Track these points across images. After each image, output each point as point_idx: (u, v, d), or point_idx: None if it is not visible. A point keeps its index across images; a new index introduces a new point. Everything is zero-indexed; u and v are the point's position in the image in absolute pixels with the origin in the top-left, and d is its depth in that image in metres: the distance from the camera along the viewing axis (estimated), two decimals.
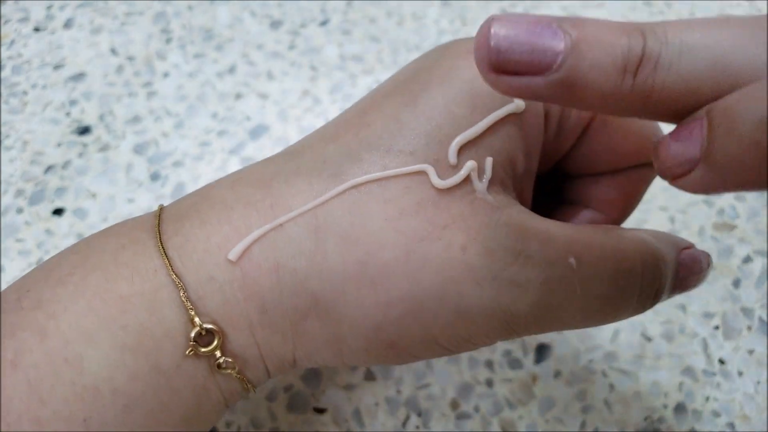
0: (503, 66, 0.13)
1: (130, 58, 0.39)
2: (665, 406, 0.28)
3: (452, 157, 0.18)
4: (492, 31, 0.13)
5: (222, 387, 0.19)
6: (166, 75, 0.38)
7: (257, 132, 0.36)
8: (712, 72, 0.13)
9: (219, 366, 0.18)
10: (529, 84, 0.13)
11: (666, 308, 0.31)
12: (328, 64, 0.38)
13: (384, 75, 0.38)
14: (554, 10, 0.41)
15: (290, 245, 0.18)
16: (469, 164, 0.18)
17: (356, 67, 0.38)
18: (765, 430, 0.28)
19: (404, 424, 0.28)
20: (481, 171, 0.18)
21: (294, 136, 0.36)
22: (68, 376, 0.16)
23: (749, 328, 0.30)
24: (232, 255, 0.18)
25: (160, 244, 0.18)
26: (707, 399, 0.28)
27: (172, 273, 0.18)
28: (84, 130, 0.36)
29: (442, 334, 0.18)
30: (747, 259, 0.32)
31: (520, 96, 0.14)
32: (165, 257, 0.18)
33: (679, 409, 0.28)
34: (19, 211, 0.33)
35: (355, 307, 0.18)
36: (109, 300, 0.17)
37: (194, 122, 0.36)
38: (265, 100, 0.37)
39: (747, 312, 0.31)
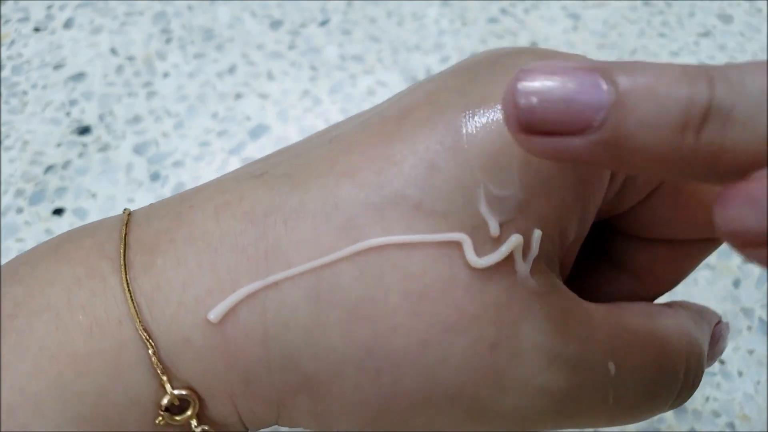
0: (535, 126, 0.12)
1: (130, 58, 0.39)
2: None
3: (494, 230, 0.14)
4: (520, 86, 0.12)
5: None
6: (166, 75, 0.38)
7: (257, 132, 0.36)
8: None
9: None
10: (566, 146, 0.11)
11: None
12: (328, 64, 0.38)
13: (384, 75, 0.38)
14: (554, 10, 0.41)
15: (284, 312, 0.14)
16: (514, 239, 0.14)
17: (356, 67, 0.38)
18: (765, 430, 0.28)
19: None
20: (526, 246, 0.15)
21: (294, 137, 0.36)
22: None
23: (749, 328, 0.30)
24: (213, 316, 0.14)
25: (126, 286, 0.15)
26: (707, 399, 0.28)
27: (140, 328, 0.14)
28: (84, 130, 0.36)
29: (445, 429, 0.16)
30: None
31: (556, 159, 0.12)
32: (133, 306, 0.14)
33: (679, 409, 0.28)
34: (19, 211, 0.33)
35: (353, 393, 0.15)
36: (61, 358, 0.14)
37: (194, 122, 0.36)
38: (265, 100, 0.37)
39: (747, 312, 0.31)
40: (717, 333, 0.18)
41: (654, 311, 0.17)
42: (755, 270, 0.32)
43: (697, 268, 0.30)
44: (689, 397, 0.17)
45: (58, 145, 0.35)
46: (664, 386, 0.16)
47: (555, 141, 0.11)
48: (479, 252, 0.14)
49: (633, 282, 0.19)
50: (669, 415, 0.28)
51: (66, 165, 0.34)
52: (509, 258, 0.14)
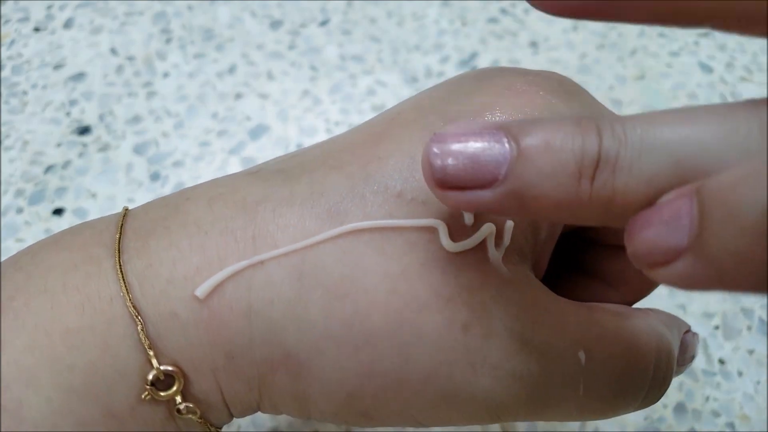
0: (448, 183, 0.13)
1: (130, 58, 0.39)
2: (665, 406, 0.28)
3: (468, 219, 0.15)
4: (433, 149, 0.13)
5: (182, 429, 0.17)
6: (166, 75, 0.38)
7: (257, 132, 0.36)
8: (678, 171, 0.12)
9: (179, 411, 0.16)
10: (477, 198, 0.13)
11: (666, 308, 0.31)
12: (328, 64, 0.38)
13: (384, 75, 0.38)
14: None
15: (268, 289, 0.15)
16: (486, 228, 0.15)
17: (356, 67, 0.38)
18: (765, 430, 0.28)
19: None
20: (498, 236, 0.16)
21: (294, 137, 0.36)
22: (5, 425, 0.14)
23: (749, 328, 0.30)
24: (200, 292, 0.15)
25: (119, 266, 0.15)
26: (707, 399, 0.28)
27: (129, 305, 0.15)
28: (84, 130, 0.36)
29: (420, 413, 0.16)
30: None
31: (469, 210, 0.14)
32: (124, 284, 0.15)
33: (679, 408, 0.28)
34: (19, 211, 0.33)
35: (332, 371, 0.16)
36: (55, 334, 0.15)
37: (194, 122, 0.36)
38: (265, 100, 0.37)
39: (747, 312, 0.31)
40: (686, 341, 0.19)
41: (624, 311, 0.17)
42: None
43: None
44: (659, 397, 0.17)
45: (58, 145, 0.35)
46: (633, 381, 0.16)
47: (467, 195, 0.13)
48: (455, 239, 0.15)
49: (606, 290, 0.20)
50: (669, 415, 0.28)
51: (66, 165, 0.34)
52: (483, 246, 0.15)
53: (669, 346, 0.17)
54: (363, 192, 0.16)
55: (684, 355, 0.18)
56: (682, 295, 0.31)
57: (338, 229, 0.15)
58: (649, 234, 0.11)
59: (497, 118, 0.16)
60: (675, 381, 0.29)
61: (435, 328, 0.15)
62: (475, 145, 0.13)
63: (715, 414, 0.28)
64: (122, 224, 0.16)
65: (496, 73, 0.18)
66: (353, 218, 0.15)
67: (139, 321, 0.15)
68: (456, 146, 0.13)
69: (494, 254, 0.15)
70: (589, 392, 0.16)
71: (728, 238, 0.10)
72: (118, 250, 0.16)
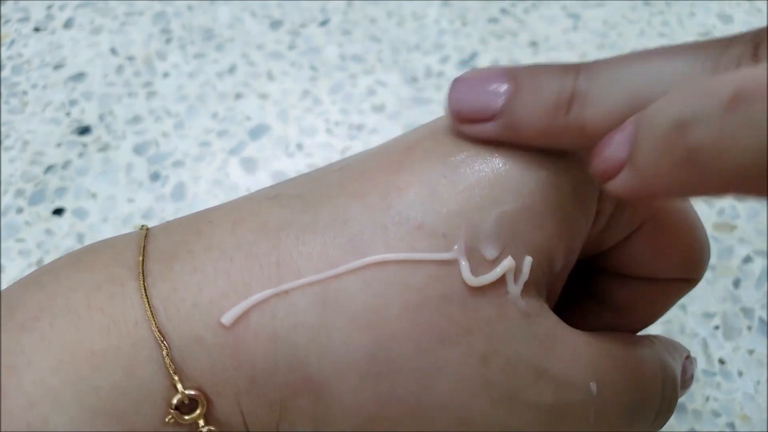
0: (462, 116, 0.16)
1: (130, 58, 0.39)
2: None
3: (490, 254, 0.16)
4: (451, 92, 0.16)
5: None
6: (166, 75, 0.38)
7: (257, 132, 0.36)
8: (634, 102, 0.14)
9: None
10: (483, 129, 0.16)
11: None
12: (328, 64, 0.38)
13: (384, 75, 0.38)
14: (554, 10, 0.41)
15: (293, 316, 0.16)
16: (507, 263, 0.16)
17: (356, 67, 0.38)
18: (765, 430, 0.28)
19: None
20: (517, 270, 0.16)
21: (294, 137, 0.36)
22: None
23: (749, 328, 0.30)
24: (226, 319, 0.15)
25: (143, 290, 0.16)
26: (707, 399, 0.28)
27: (155, 329, 0.15)
28: (84, 130, 0.36)
29: None
30: (747, 259, 0.32)
31: (481, 139, 0.16)
32: (149, 308, 0.16)
33: (679, 409, 0.28)
34: (19, 211, 0.33)
35: (352, 396, 0.16)
36: (80, 355, 0.15)
37: (194, 122, 0.36)
38: (265, 100, 0.37)
39: (747, 312, 0.31)
40: (686, 366, 0.19)
41: (632, 341, 0.18)
42: (755, 270, 0.32)
43: None
44: (665, 422, 0.18)
45: (58, 145, 0.35)
46: (642, 409, 0.17)
47: (476, 127, 0.16)
48: (475, 273, 0.16)
49: (614, 317, 0.20)
50: None
51: (66, 165, 0.34)
52: (502, 280, 0.16)
53: (673, 372, 0.18)
54: (384, 223, 0.16)
55: (684, 379, 0.19)
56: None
57: (362, 260, 0.16)
58: (604, 152, 0.14)
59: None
60: None
61: (454, 359, 0.15)
62: (481, 87, 0.16)
63: (716, 414, 0.28)
64: (144, 245, 0.17)
65: None
66: (375, 249, 0.16)
67: (165, 346, 0.15)
68: (468, 89, 0.16)
69: (513, 289, 0.16)
70: (600, 421, 0.16)
71: (648, 150, 0.13)
72: (143, 273, 0.16)
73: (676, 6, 0.42)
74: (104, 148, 0.35)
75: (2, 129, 0.36)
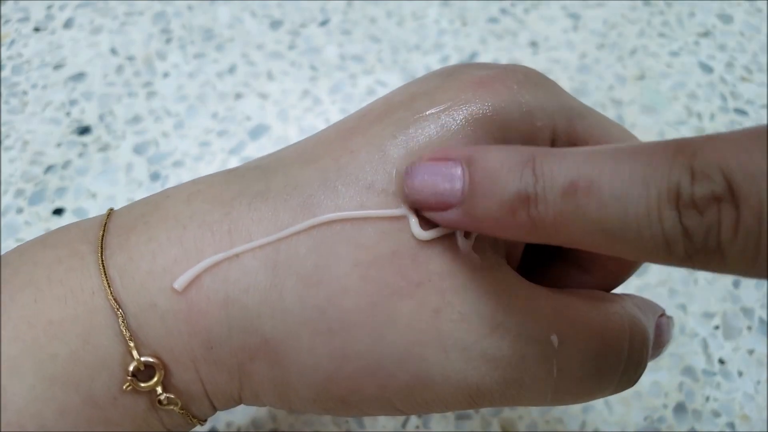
0: (421, 207, 0.16)
1: (130, 58, 0.39)
2: (665, 406, 0.28)
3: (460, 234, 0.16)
4: (407, 181, 0.16)
5: (165, 421, 0.17)
6: (166, 75, 0.38)
7: (257, 132, 0.36)
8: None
9: (160, 402, 0.16)
10: (443, 216, 0.16)
11: (666, 308, 0.31)
12: (328, 64, 0.38)
13: (384, 75, 0.38)
14: (554, 10, 0.41)
15: (244, 279, 0.16)
16: None
17: (356, 67, 0.38)
18: (765, 430, 0.28)
19: (404, 424, 0.28)
20: None
21: (294, 136, 0.36)
22: None
23: (749, 328, 0.30)
24: (178, 284, 0.16)
25: (101, 261, 0.16)
26: (707, 399, 0.28)
27: (110, 297, 0.16)
28: (84, 130, 0.36)
29: (397, 397, 0.17)
30: None
31: (443, 225, 0.16)
32: (105, 278, 0.16)
33: (679, 409, 0.28)
34: (19, 211, 0.33)
35: (308, 355, 0.16)
36: (38, 324, 0.15)
37: (194, 122, 0.36)
38: (265, 100, 0.37)
39: (747, 312, 0.31)
40: (661, 324, 0.19)
41: (598, 296, 0.18)
42: None
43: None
44: (635, 380, 0.18)
45: (58, 145, 0.35)
46: (607, 363, 0.17)
47: (436, 214, 0.16)
48: (425, 228, 0.16)
49: (585, 277, 0.20)
50: (669, 415, 0.28)
51: (66, 165, 0.34)
52: (453, 234, 0.16)
53: (643, 329, 0.18)
54: (335, 184, 0.16)
55: (659, 339, 0.19)
56: (682, 296, 0.31)
57: (310, 221, 0.16)
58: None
59: (464, 112, 0.17)
60: (675, 381, 0.29)
61: (406, 312, 0.16)
62: (435, 180, 0.16)
63: (716, 414, 0.28)
64: (106, 222, 0.17)
65: (463, 68, 0.18)
66: (326, 210, 0.16)
67: (120, 314, 0.16)
68: (422, 181, 0.16)
69: (463, 242, 0.16)
70: (563, 375, 0.16)
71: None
72: (101, 246, 0.16)
73: (676, 6, 0.42)
74: (104, 148, 0.35)
75: (2, 129, 0.36)
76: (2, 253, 0.32)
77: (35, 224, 0.32)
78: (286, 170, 0.17)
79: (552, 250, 0.21)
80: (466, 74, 0.18)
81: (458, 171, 0.15)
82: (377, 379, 0.16)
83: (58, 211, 0.33)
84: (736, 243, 0.12)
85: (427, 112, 0.17)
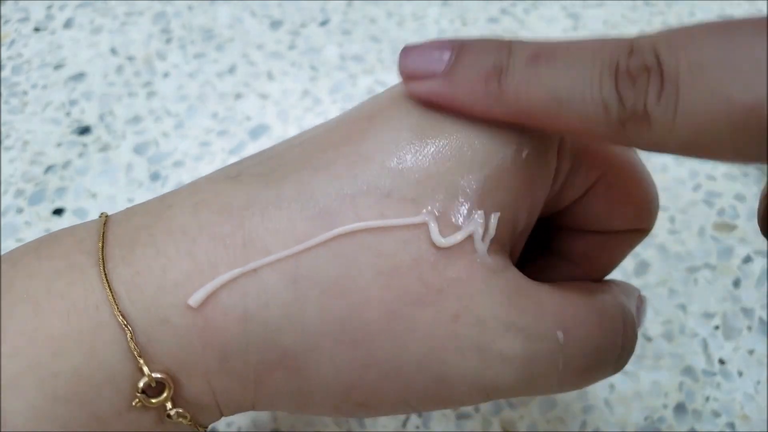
0: (411, 75, 0.17)
1: (130, 58, 0.39)
2: (665, 406, 0.28)
3: (459, 215, 0.16)
4: (403, 56, 0.17)
5: (170, 431, 0.17)
6: (166, 75, 0.38)
7: (257, 132, 0.36)
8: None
9: (169, 416, 0.16)
10: (426, 84, 0.17)
11: (666, 308, 0.31)
12: (328, 64, 0.38)
13: (384, 75, 0.38)
14: (554, 10, 0.41)
15: (263, 294, 0.16)
16: (474, 222, 0.16)
17: (356, 67, 0.38)
18: (765, 430, 0.28)
19: (404, 424, 0.28)
20: (484, 229, 0.17)
21: None
22: None
23: (749, 328, 0.30)
24: (194, 301, 0.15)
25: (103, 273, 0.15)
26: (707, 399, 0.28)
27: (117, 312, 0.15)
28: (84, 130, 0.36)
29: (416, 398, 0.17)
30: (747, 259, 0.32)
31: (423, 93, 0.17)
32: (110, 291, 0.15)
33: (679, 409, 0.28)
34: (19, 211, 0.33)
35: (329, 366, 0.16)
36: (39, 340, 0.15)
37: (194, 122, 0.36)
38: (265, 100, 0.37)
39: (747, 312, 0.31)
40: (638, 305, 0.20)
41: (592, 288, 0.19)
42: (755, 270, 0.32)
43: (696, 266, 0.30)
44: (626, 362, 0.19)
45: (58, 145, 0.35)
46: (606, 352, 0.18)
47: (420, 82, 0.17)
48: (445, 234, 0.16)
49: (573, 269, 0.21)
50: (669, 415, 0.28)
51: (66, 165, 0.34)
52: (469, 240, 0.16)
53: (632, 315, 0.19)
54: (352, 193, 0.16)
55: (639, 319, 0.20)
56: (682, 296, 0.31)
57: (331, 232, 0.16)
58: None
59: None
60: (675, 381, 0.29)
61: (427, 319, 0.16)
62: (429, 53, 0.17)
63: (716, 414, 0.28)
64: (104, 232, 0.16)
65: None
66: (344, 220, 0.16)
67: (129, 330, 0.15)
68: (418, 53, 0.17)
69: (480, 247, 0.16)
70: (568, 367, 0.17)
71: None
72: (102, 258, 0.16)
73: (676, 6, 0.42)
74: (104, 148, 0.35)
75: (2, 129, 0.36)
76: (2, 252, 0.32)
77: (35, 224, 0.32)
78: (296, 178, 0.17)
79: (541, 243, 0.22)
80: None
81: (447, 51, 0.17)
82: (397, 384, 0.16)
83: (58, 211, 0.33)
84: (659, 106, 0.13)
85: (445, 114, 0.17)
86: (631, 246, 0.22)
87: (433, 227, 0.16)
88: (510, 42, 0.16)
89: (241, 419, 0.28)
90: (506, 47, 0.16)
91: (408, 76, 0.17)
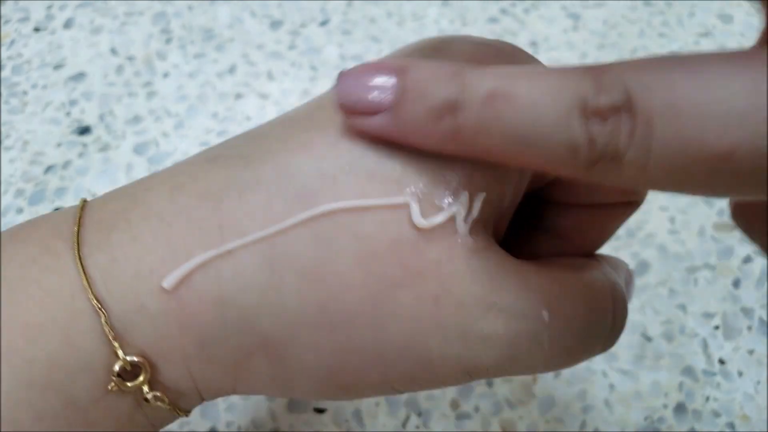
0: (350, 110, 0.16)
1: (130, 58, 0.39)
2: (665, 406, 0.28)
3: (444, 195, 0.16)
4: (339, 85, 0.16)
5: (150, 415, 0.17)
6: (166, 75, 0.38)
7: None
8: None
9: (146, 400, 0.16)
10: (369, 122, 0.15)
11: (666, 308, 0.31)
12: (328, 64, 0.38)
13: None
14: (554, 10, 0.41)
15: (239, 277, 0.15)
16: (457, 203, 0.16)
17: None
18: (765, 430, 0.28)
19: (404, 424, 0.28)
20: (468, 209, 0.16)
21: None
22: None
23: (749, 328, 0.30)
24: (167, 283, 0.15)
25: (78, 260, 0.15)
26: (707, 399, 0.28)
27: (93, 298, 0.15)
28: (84, 130, 0.36)
29: (398, 380, 0.17)
30: (747, 259, 0.32)
31: (367, 132, 0.16)
32: (85, 277, 0.15)
33: (679, 409, 0.28)
34: (19, 211, 0.33)
35: (309, 351, 0.16)
36: (13, 328, 0.15)
37: (194, 122, 0.36)
38: (265, 100, 0.37)
39: (747, 312, 0.31)
40: (628, 278, 0.20)
41: (580, 263, 0.18)
42: (755, 270, 0.32)
43: (696, 266, 0.30)
44: (616, 340, 0.18)
45: (58, 145, 0.35)
46: (594, 330, 0.17)
47: (362, 119, 0.15)
48: (428, 214, 0.16)
49: (561, 244, 0.21)
50: (669, 415, 0.28)
51: (66, 165, 0.34)
52: (450, 220, 0.16)
53: (622, 291, 0.18)
54: (333, 172, 0.16)
55: (628, 294, 0.20)
56: (682, 296, 0.31)
57: (309, 212, 0.15)
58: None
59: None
60: (675, 381, 0.29)
61: (407, 302, 0.16)
62: (367, 86, 0.15)
63: (716, 414, 0.28)
64: (80, 216, 0.16)
65: (450, 43, 0.18)
66: (324, 200, 0.15)
67: (103, 313, 0.15)
68: (357, 82, 0.15)
69: (462, 228, 0.16)
70: (554, 346, 0.17)
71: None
72: (78, 243, 0.16)
73: (676, 6, 0.42)
74: (104, 148, 0.35)
75: (2, 129, 0.36)
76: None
77: None
78: (275, 158, 0.16)
79: (529, 218, 0.21)
80: (457, 50, 0.18)
81: (391, 80, 0.15)
82: (379, 367, 0.16)
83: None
84: (630, 149, 0.13)
85: None
86: (622, 219, 0.21)
87: (415, 208, 0.15)
88: (462, 71, 0.15)
89: (241, 419, 0.28)
90: (458, 79, 0.14)
91: (349, 111, 0.16)
